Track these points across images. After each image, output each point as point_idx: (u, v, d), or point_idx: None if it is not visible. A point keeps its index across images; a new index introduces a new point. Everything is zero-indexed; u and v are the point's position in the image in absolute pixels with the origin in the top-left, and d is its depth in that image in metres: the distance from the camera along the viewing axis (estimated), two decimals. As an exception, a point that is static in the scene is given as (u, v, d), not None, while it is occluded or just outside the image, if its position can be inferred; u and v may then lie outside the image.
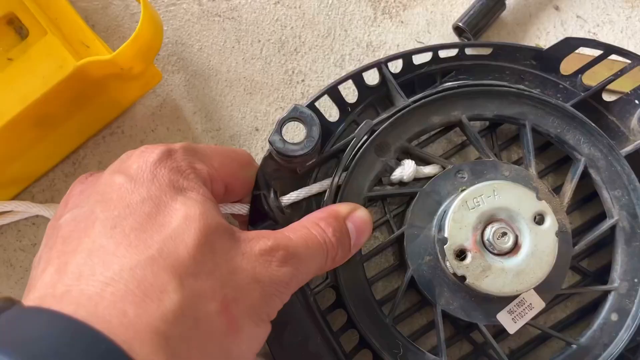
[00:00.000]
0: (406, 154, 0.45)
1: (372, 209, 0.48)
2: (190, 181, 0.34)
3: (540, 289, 0.41)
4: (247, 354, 0.32)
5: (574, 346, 0.42)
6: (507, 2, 0.51)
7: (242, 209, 0.42)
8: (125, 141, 0.50)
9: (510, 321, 0.41)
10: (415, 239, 0.42)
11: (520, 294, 0.40)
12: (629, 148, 0.44)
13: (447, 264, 0.40)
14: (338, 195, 0.42)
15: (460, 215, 0.40)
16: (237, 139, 0.50)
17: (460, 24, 0.51)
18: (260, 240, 0.33)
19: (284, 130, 0.41)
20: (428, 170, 0.44)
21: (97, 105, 0.47)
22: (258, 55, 0.52)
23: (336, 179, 0.43)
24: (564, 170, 0.47)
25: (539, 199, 0.40)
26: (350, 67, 0.52)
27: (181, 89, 0.51)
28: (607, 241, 0.45)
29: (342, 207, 0.39)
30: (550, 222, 0.40)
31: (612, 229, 0.44)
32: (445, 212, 0.41)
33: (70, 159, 0.49)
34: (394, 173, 0.44)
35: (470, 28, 0.50)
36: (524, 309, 0.41)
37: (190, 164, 0.35)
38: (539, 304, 0.41)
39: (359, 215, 0.39)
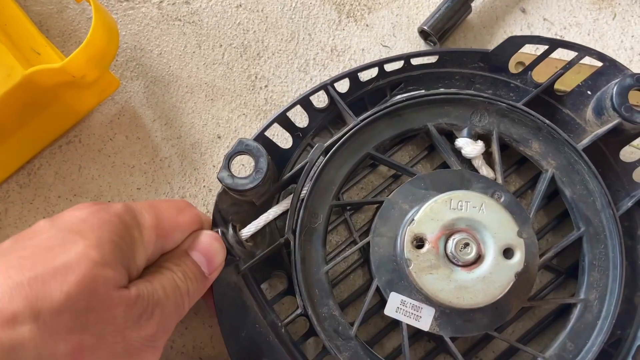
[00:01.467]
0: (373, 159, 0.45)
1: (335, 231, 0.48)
2: (98, 229, 0.33)
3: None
4: None
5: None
6: (473, 5, 0.51)
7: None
8: (83, 150, 0.49)
9: (394, 306, 0.41)
10: (381, 248, 0.42)
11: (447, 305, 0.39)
12: (585, 141, 0.43)
13: (403, 245, 0.39)
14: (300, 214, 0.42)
15: (438, 208, 0.39)
16: (198, 147, 0.49)
17: (425, 27, 0.50)
18: (131, 292, 0.32)
19: (232, 164, 0.40)
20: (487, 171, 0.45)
21: (51, 114, 0.46)
22: (220, 60, 0.51)
23: (295, 199, 0.42)
24: (524, 171, 0.47)
25: (519, 235, 0.39)
26: (315, 72, 0.51)
27: (140, 96, 0.50)
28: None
29: (184, 243, 0.39)
30: (517, 260, 0.39)
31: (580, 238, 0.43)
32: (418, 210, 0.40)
33: (25, 170, 0.48)
34: (459, 141, 0.44)
35: (435, 32, 0.49)
36: (412, 313, 0.41)
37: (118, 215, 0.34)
38: (425, 324, 0.40)
39: (202, 242, 0.39)
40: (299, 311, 0.41)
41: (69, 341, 0.29)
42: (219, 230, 0.41)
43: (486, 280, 0.38)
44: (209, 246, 0.39)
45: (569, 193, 0.43)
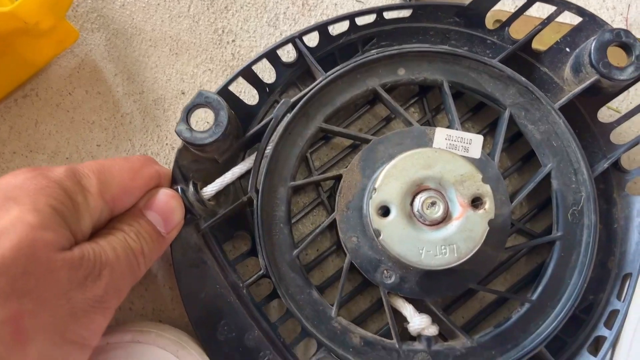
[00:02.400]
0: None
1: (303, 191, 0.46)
2: (33, 194, 0.31)
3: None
4: None
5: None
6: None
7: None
8: (40, 105, 0.46)
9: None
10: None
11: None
12: (562, 100, 0.41)
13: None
14: (264, 173, 0.40)
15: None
16: (161, 103, 0.47)
17: (400, -19, 0.48)
18: (74, 254, 0.31)
19: (192, 118, 0.38)
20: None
21: (4, 65, 0.44)
22: (185, 13, 0.48)
23: (259, 157, 0.41)
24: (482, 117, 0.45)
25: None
26: (285, 27, 0.49)
27: (101, 49, 0.47)
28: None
29: (139, 201, 0.37)
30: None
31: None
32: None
33: (-21, 124, 0.46)
34: None
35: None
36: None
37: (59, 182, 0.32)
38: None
39: (158, 200, 0.37)
40: (261, 272, 0.40)
41: (6, 307, 0.28)
42: (179, 187, 0.40)
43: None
44: (166, 204, 0.38)
45: (531, 130, 0.42)
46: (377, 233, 0.37)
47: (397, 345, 0.40)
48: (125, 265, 0.34)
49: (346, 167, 0.41)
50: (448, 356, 0.40)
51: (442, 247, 0.37)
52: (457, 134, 0.40)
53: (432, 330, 0.40)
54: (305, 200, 0.45)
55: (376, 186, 0.38)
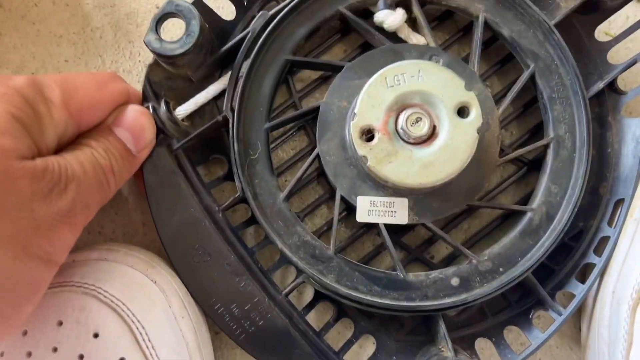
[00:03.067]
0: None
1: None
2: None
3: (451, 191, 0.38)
4: None
5: (528, 214, 0.39)
6: None
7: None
8: (4, 16, 0.44)
9: (365, 210, 0.37)
10: (332, 156, 0.38)
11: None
12: (558, 17, 0.39)
13: (353, 144, 0.36)
14: (239, 92, 0.38)
15: (375, 91, 0.35)
16: (134, 17, 0.44)
17: None
18: (36, 164, 0.29)
19: (162, 29, 0.36)
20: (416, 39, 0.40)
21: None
22: None
23: (234, 74, 0.38)
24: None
25: (468, 88, 0.36)
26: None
27: (70, -41, 0.44)
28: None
29: (108, 118, 0.35)
30: (474, 116, 0.35)
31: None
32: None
33: (-62, 38, 0.43)
34: (378, 15, 0.39)
35: None
36: (386, 211, 0.38)
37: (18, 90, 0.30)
38: (401, 218, 0.37)
39: (127, 117, 0.35)
40: (239, 195, 0.38)
41: None
42: (150, 105, 0.37)
43: (449, 148, 0.35)
44: (136, 121, 0.36)
45: (507, 32, 0.39)
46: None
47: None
48: (93, 180, 0.32)
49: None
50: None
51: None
52: (381, 200, 0.37)
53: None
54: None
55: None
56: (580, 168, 0.38)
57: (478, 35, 0.39)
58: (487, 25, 0.40)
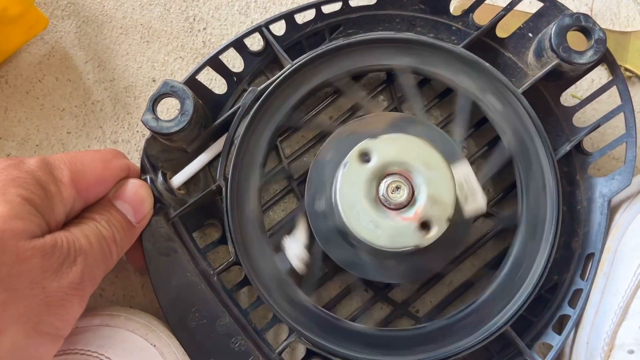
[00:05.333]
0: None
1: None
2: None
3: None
4: None
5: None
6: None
7: None
8: (10, 92, 0.47)
9: None
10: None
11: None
12: (526, 85, 0.42)
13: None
14: (232, 161, 0.41)
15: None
16: (132, 90, 0.47)
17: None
18: (46, 241, 0.31)
19: (162, 107, 0.39)
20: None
21: (-27, 54, 0.43)
22: (157, 0, 0.48)
23: (227, 146, 0.41)
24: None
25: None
26: (256, 15, 0.49)
27: (72, 36, 0.47)
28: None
29: (109, 192, 0.38)
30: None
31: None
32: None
33: (-52, 114, 0.46)
34: None
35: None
36: None
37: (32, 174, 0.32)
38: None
39: (128, 190, 0.38)
40: (232, 259, 0.40)
41: None
42: (148, 177, 0.40)
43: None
44: (135, 194, 0.38)
45: (494, 114, 0.42)
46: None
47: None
48: (98, 252, 0.34)
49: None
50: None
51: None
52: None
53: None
54: (276, 187, 0.46)
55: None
56: (551, 228, 0.41)
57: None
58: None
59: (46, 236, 0.31)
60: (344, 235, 0.40)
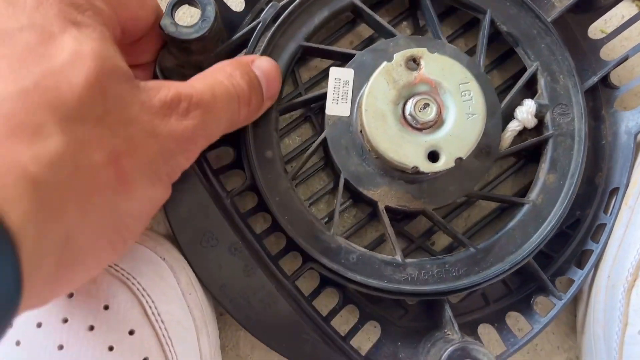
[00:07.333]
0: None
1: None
2: (88, 17, 0.28)
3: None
4: (138, 214, 0.28)
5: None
6: None
7: None
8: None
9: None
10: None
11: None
12: (555, 14, 0.41)
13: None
14: None
15: (386, 78, 0.37)
16: None
17: None
18: (161, 90, 0.29)
19: (177, 15, 0.37)
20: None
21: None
22: None
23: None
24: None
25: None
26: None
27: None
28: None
29: (245, 57, 0.36)
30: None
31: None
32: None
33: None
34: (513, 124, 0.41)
35: None
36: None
37: (88, 0, 0.29)
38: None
39: (264, 61, 0.36)
40: (248, 182, 0.39)
41: (103, 149, 0.26)
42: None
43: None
44: (271, 68, 0.36)
45: (511, 31, 0.41)
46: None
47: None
48: (223, 108, 0.32)
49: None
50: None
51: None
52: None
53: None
54: (293, 114, 0.44)
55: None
56: (578, 159, 0.40)
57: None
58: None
59: (170, 87, 0.29)
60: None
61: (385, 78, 0.37)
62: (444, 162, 0.36)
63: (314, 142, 0.41)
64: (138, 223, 0.29)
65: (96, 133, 0.26)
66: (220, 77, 0.32)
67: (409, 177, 0.38)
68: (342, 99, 0.40)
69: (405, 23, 0.45)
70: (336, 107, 0.40)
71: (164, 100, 0.29)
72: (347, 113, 0.40)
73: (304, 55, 0.43)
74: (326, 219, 0.43)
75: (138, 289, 0.34)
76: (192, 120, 0.30)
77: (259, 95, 0.35)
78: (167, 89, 0.29)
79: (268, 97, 0.36)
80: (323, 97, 0.40)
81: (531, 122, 0.40)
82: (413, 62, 0.37)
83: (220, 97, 0.31)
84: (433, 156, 0.36)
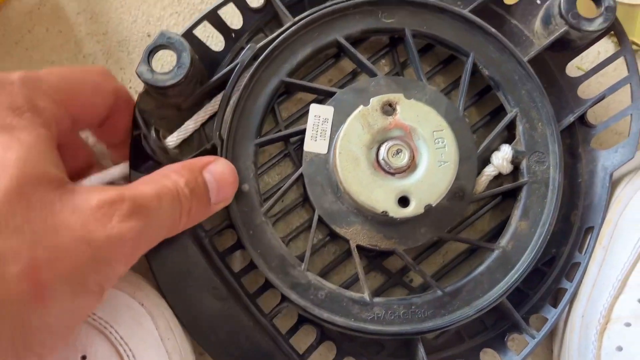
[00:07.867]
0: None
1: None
2: (24, 119, 0.28)
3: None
4: (55, 328, 0.27)
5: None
6: None
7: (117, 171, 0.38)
8: (-2, 43, 0.45)
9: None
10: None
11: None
12: (532, 53, 0.41)
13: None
14: (229, 121, 0.39)
15: (362, 121, 0.37)
16: (126, 45, 0.46)
17: None
18: (101, 192, 0.28)
19: (154, 61, 0.37)
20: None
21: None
22: (152, -47, 0.47)
23: (224, 104, 0.40)
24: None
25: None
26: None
27: (63, -14, 0.46)
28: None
29: (198, 160, 0.36)
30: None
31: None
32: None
33: None
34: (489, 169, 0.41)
35: None
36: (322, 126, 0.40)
37: (29, 100, 0.29)
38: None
39: (219, 165, 0.36)
40: (226, 222, 0.39)
41: (19, 261, 0.25)
42: (141, 133, 0.38)
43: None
44: (224, 173, 0.36)
45: (493, 74, 0.41)
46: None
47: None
48: (166, 215, 0.31)
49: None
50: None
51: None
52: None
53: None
54: (272, 151, 0.45)
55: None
56: (550, 208, 0.40)
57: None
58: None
59: (110, 190, 0.29)
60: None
61: (361, 122, 0.38)
62: (414, 208, 0.37)
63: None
64: (55, 337, 0.28)
65: (13, 244, 0.25)
66: (166, 182, 0.32)
67: (381, 218, 0.39)
68: (320, 136, 0.40)
69: (383, 61, 0.45)
70: (314, 144, 0.41)
71: (104, 199, 0.28)
72: (324, 150, 0.40)
73: (287, 90, 0.43)
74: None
75: (116, 338, 0.34)
76: (135, 222, 0.29)
77: (201, 203, 0.34)
78: (109, 190, 0.29)
79: (219, 200, 0.36)
80: (302, 132, 0.40)
81: (506, 168, 0.41)
82: (389, 107, 0.38)
83: (165, 202, 0.31)
84: (403, 201, 0.37)
